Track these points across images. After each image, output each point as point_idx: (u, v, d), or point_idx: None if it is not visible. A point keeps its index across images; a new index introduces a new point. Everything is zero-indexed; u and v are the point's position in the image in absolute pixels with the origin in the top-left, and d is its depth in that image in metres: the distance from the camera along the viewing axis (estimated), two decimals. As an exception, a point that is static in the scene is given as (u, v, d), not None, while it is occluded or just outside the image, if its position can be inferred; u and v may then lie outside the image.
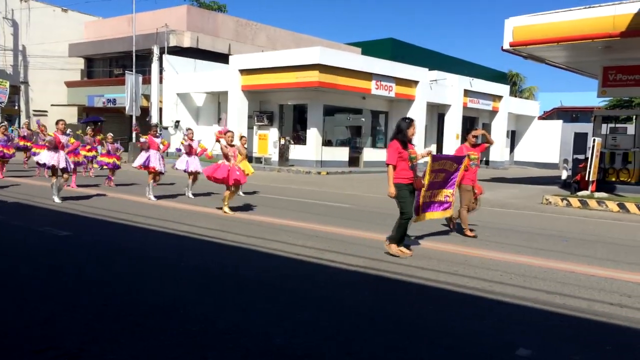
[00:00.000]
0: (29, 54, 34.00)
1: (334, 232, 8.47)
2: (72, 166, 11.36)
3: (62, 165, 10.63)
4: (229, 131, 10.05)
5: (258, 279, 5.60)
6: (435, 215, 7.44)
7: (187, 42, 30.02)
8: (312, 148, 24.76)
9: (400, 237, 6.70)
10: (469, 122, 33.29)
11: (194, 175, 12.40)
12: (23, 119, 32.56)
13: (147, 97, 28.93)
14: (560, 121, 37.77)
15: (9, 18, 33.24)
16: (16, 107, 33.53)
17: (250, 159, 26.41)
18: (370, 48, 38.65)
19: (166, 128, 27.01)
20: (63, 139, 10.78)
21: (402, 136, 6.58)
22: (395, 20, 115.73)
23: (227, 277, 5.68)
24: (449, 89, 30.03)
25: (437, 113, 30.95)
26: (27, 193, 12.05)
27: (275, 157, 25.21)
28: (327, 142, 25.95)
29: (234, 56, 26.77)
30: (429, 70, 28.98)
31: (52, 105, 33.92)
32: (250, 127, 26.54)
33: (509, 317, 4.67)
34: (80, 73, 36.63)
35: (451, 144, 30.26)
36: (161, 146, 11.89)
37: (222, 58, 29.00)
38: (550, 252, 7.48)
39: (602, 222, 11.29)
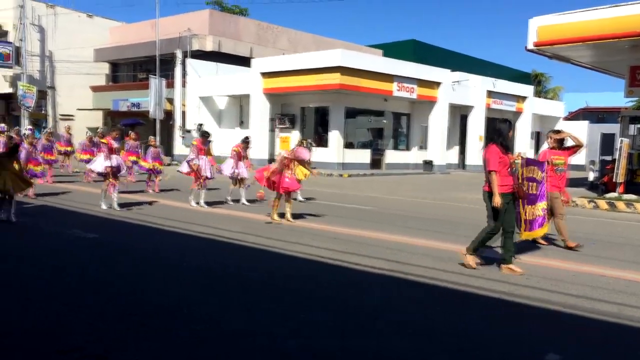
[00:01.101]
0: (55, 59, 34.63)
1: (355, 235, 8.43)
2: (124, 170, 11.14)
3: (119, 170, 10.54)
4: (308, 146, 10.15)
5: (290, 284, 5.59)
6: (537, 233, 6.83)
7: (209, 46, 30.26)
8: (333, 150, 24.74)
9: (479, 246, 6.17)
10: (493, 124, 32.89)
11: (242, 181, 11.95)
12: (50, 123, 33.19)
13: (171, 101, 29.24)
14: (587, 122, 37.08)
15: (36, 24, 33.88)
16: (43, 112, 34.15)
17: (272, 161, 26.54)
18: (391, 50, 38.49)
19: (189, 131, 27.24)
20: (115, 144, 10.59)
21: (503, 140, 6.02)
22: (417, 21, 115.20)
23: (251, 281, 5.69)
24: (471, 90, 29.75)
25: (460, 114, 30.67)
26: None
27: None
28: (348, 145, 25.91)
29: (256, 59, 26.91)
30: (452, 71, 28.76)
31: (78, 109, 34.47)
32: (272, 130, 26.64)
33: (536, 320, 4.58)
34: (105, 78, 37.17)
35: (474, 146, 29.98)
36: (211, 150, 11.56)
37: (244, 61, 29.16)
38: (578, 254, 7.34)
39: (631, 224, 11.04)
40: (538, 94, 44.67)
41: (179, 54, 28.31)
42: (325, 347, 3.84)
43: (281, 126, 26.61)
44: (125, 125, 16.54)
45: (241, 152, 12.02)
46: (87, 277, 5.65)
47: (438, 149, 27.99)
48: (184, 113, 28.69)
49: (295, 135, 26.08)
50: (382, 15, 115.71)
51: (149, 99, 28.21)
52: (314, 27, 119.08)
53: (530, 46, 16.12)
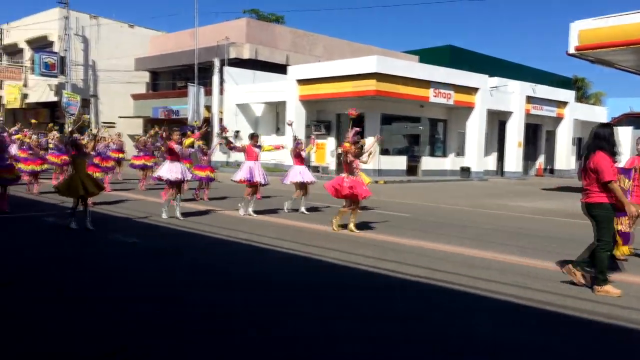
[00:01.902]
0: (98, 69, 35.70)
1: (392, 242, 8.38)
2: (189, 177, 10.82)
3: (185, 176, 10.16)
4: (357, 141, 9.26)
5: (323, 290, 5.60)
6: (626, 250, 6.40)
7: (246, 54, 30.68)
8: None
9: (601, 269, 5.53)
10: (532, 130, 32.28)
11: (306, 187, 11.54)
12: (93, 131, 34.08)
13: (208, 108, 29.73)
14: (630, 127, 35.86)
15: (80, 35, 35.02)
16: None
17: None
18: (428, 56, 38.24)
19: (226, 138, 27.57)
20: (177, 148, 10.11)
21: (611, 147, 5.53)
22: (453, 27, 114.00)
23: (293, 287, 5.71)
24: (510, 96, 29.25)
25: (498, 120, 30.16)
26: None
27: (332, 165, 25.29)
28: (384, 151, 25.80)
29: (292, 67, 27.12)
30: (490, 76, 28.35)
31: (119, 117, 35.41)
32: (307, 137, 26.73)
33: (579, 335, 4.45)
34: (146, 86, 38.07)
35: (513, 153, 29.45)
36: (260, 155, 11.06)
37: (280, 69, 29.43)
38: (628, 264, 7.11)
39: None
40: (579, 99, 43.62)
41: (216, 62, 28.79)
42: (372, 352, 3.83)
43: (317, 133, 26.70)
44: (184, 131, 15.84)
45: (301, 153, 11.52)
46: (143, 284, 5.78)
47: (475, 155, 27.59)
48: (221, 120, 29.10)
49: (330, 142, 26.15)
50: (418, 21, 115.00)
51: (188, 107, 28.75)
52: (350, 34, 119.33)
53: (572, 50, 15.82)
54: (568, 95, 33.24)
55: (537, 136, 33.31)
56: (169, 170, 9.89)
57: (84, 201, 8.65)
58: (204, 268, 6.47)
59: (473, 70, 27.99)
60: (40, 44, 35.63)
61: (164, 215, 9.99)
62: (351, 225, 9.09)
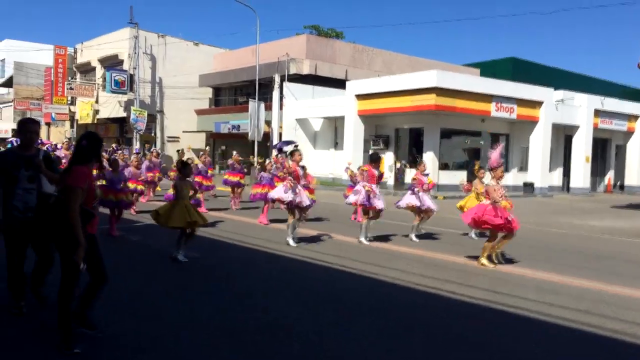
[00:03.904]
0: (164, 85, 37.16)
1: (454, 262, 8.24)
2: (309, 202, 9.38)
3: (305, 201, 9.10)
4: (500, 165, 8.17)
5: (379, 311, 5.58)
6: None
7: (306, 70, 31.10)
8: (428, 172, 24.30)
9: None
10: (600, 144, 30.92)
11: (428, 213, 10.49)
12: (158, 145, 35.48)
13: (269, 123, 30.27)
14: None
15: (148, 53, 36.62)
16: (152, 134, 36.65)
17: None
18: (489, 68, 37.50)
19: (285, 152, 27.99)
20: (300, 171, 9.22)
21: None
22: (515, 38, 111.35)
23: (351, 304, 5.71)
24: (577, 109, 28.17)
25: (564, 135, 29.10)
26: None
27: (391, 180, 25.14)
28: (443, 166, 25.41)
29: (351, 82, 27.26)
30: (555, 89, 27.44)
31: (183, 132, 36.62)
32: (366, 151, 26.73)
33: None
34: (208, 101, 39.23)
35: (579, 168, 28.29)
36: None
37: (339, 83, 29.63)
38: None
39: None
40: (652, 111, 41.43)
41: (277, 78, 29.35)
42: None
43: (375, 147, 26.68)
44: (280, 147, 15.60)
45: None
46: (199, 297, 5.96)
47: (539, 170, 26.70)
48: (280, 135, 29.56)
49: (389, 156, 26.01)
50: (478, 34, 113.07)
51: (248, 122, 29.39)
52: (409, 48, 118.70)
53: (644, 62, 15.09)
54: (639, 108, 31.67)
55: (606, 151, 31.87)
56: (282, 192, 9.04)
57: (192, 231, 7.71)
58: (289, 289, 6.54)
59: (537, 83, 27.18)
60: (111, 62, 37.46)
61: (291, 243, 9.08)
62: (483, 259, 7.91)
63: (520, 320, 5.29)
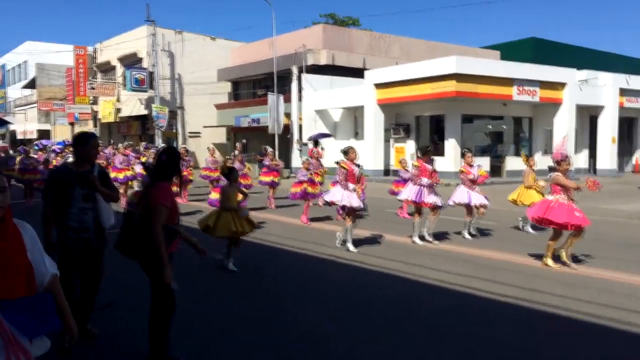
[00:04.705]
0: (183, 82, 37.38)
1: (480, 256, 8.16)
2: (363, 205, 8.71)
3: (357, 204, 8.43)
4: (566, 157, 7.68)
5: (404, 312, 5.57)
6: None
7: (323, 60, 30.94)
8: (450, 159, 24.13)
9: None
10: (627, 124, 30.27)
11: (480, 209, 10.13)
12: (180, 141, 35.77)
13: (288, 115, 30.26)
14: None
15: (166, 50, 36.82)
16: (174, 130, 36.97)
17: (387, 171, 26.50)
18: (509, 50, 36.85)
19: (306, 144, 28.00)
20: (356, 170, 8.67)
21: None
22: (536, 17, 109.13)
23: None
24: (601, 89, 27.57)
25: (589, 116, 28.54)
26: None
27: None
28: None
29: (369, 71, 27.07)
30: (578, 69, 26.89)
31: (204, 127, 36.83)
32: (386, 140, 26.61)
33: None
34: (227, 96, 39.34)
35: (606, 149, 27.73)
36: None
37: (357, 73, 29.44)
38: None
39: None
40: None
41: (294, 70, 29.29)
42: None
43: (396, 136, 26.51)
44: (316, 139, 15.49)
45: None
46: (244, 303, 6.01)
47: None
48: (300, 126, 29.55)
49: (410, 145, 25.82)
50: (498, 15, 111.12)
51: (268, 115, 29.43)
52: (426, 32, 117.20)
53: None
54: (667, 84, 30.86)
55: (633, 130, 31.19)
56: (339, 194, 8.55)
57: (239, 240, 7.39)
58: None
59: (559, 64, 26.67)
60: (131, 61, 37.79)
61: (351, 248, 8.53)
62: (564, 255, 7.49)
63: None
